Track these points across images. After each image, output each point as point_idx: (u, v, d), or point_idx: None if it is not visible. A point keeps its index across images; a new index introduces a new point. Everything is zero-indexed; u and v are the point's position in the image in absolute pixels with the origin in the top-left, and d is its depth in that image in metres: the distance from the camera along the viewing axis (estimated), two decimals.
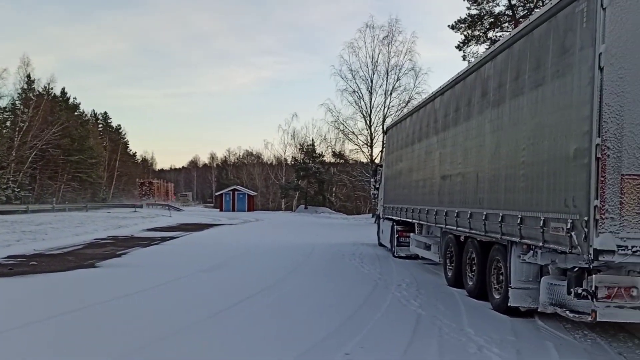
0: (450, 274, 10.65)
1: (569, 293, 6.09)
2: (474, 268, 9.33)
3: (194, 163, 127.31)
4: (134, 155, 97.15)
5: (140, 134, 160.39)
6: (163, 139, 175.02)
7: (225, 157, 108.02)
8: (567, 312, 6.26)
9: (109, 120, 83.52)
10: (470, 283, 9.48)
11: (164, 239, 19.96)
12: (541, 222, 6.54)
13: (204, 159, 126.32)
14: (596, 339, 6.70)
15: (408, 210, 13.84)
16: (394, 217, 15.70)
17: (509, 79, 7.87)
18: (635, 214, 5.50)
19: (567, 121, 6.13)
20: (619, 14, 5.49)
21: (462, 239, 9.98)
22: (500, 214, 7.80)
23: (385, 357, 5.75)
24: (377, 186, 20.43)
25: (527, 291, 7.51)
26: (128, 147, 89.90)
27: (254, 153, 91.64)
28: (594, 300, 5.68)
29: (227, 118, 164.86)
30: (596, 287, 5.67)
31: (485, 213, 8.41)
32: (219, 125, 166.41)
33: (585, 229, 5.59)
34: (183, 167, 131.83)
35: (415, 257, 14.49)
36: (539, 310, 7.04)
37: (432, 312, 7.99)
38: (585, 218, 5.60)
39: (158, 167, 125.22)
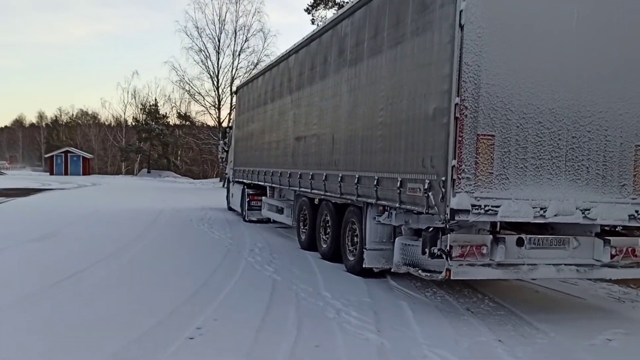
0: (303, 237, 10.49)
1: (423, 253, 6.08)
2: (328, 231, 9.22)
3: (18, 122, 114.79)
4: None
5: None
6: None
7: (56, 116, 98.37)
8: (420, 271, 6.29)
9: None
10: (324, 246, 9.38)
11: None
12: (398, 184, 6.48)
13: (31, 117, 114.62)
14: (445, 296, 6.91)
15: (260, 173, 13.44)
16: (244, 181, 15.22)
17: (367, 36, 7.67)
18: (488, 173, 5.59)
19: (426, 80, 6.05)
20: None
21: (316, 201, 9.81)
22: (357, 176, 7.68)
23: (241, 328, 5.31)
24: (226, 149, 19.75)
25: (381, 252, 7.54)
26: None
27: (90, 113, 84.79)
28: (448, 259, 5.71)
29: (57, 73, 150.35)
30: (451, 247, 5.70)
31: (341, 175, 8.27)
32: (48, 81, 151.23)
33: (443, 189, 5.57)
34: (6, 126, 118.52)
35: (267, 220, 14.23)
36: (392, 270, 7.04)
37: (287, 276, 7.72)
38: (443, 178, 5.58)
39: None
